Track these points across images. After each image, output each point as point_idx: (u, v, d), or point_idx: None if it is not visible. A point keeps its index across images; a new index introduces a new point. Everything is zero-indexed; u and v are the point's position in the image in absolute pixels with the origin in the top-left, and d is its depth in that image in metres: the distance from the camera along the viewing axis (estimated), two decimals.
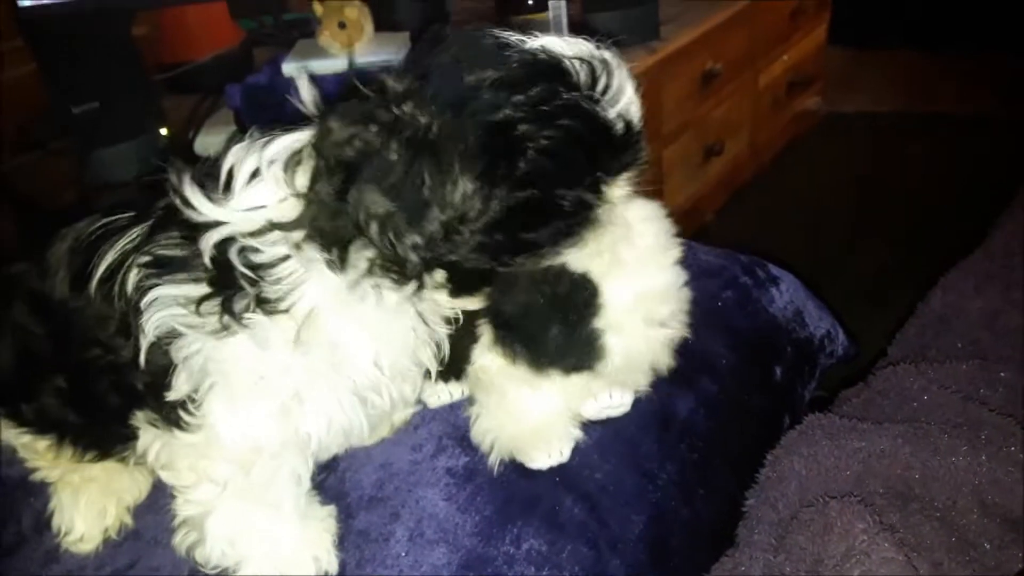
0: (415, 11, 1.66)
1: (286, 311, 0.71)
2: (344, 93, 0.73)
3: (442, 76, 0.68)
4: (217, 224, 0.71)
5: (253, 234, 0.70)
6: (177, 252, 0.73)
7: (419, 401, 0.92)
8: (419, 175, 0.65)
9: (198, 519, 0.77)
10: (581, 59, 0.69)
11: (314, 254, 0.69)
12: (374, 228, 0.66)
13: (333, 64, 1.52)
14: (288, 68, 1.52)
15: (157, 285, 0.72)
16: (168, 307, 0.72)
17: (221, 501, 0.76)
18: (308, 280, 0.71)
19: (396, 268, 0.69)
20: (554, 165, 0.68)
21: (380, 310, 0.73)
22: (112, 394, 0.80)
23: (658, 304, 0.81)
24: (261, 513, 0.78)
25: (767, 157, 2.60)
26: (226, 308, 0.71)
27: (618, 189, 0.76)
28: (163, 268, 0.73)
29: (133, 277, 0.74)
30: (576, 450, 0.86)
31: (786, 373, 1.08)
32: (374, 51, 1.53)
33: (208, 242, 0.71)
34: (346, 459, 0.91)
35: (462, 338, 0.83)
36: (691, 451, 0.93)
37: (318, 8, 1.53)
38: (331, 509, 0.84)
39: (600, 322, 0.78)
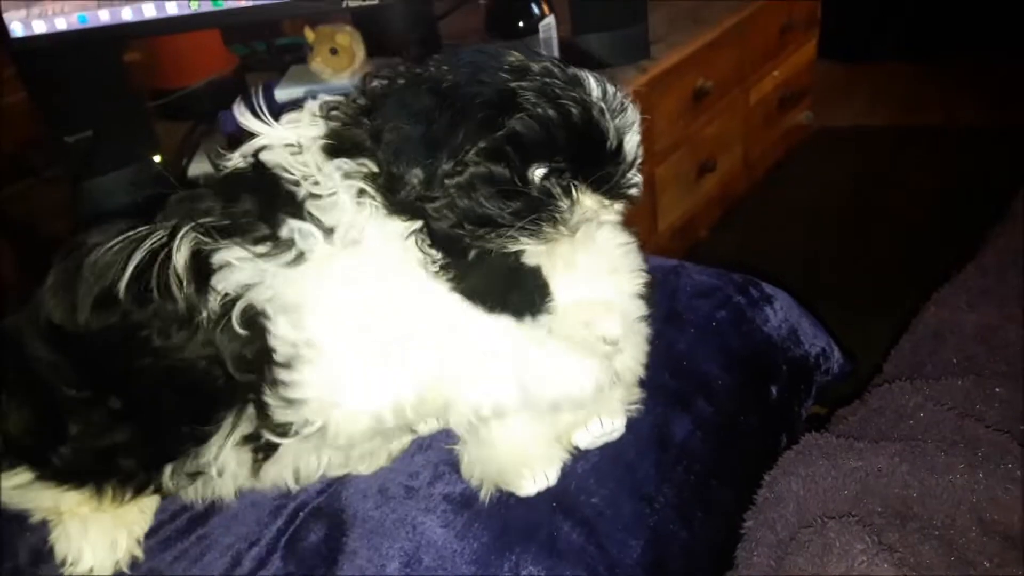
0: (406, 36, 1.67)
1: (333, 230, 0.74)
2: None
3: (474, 54, 0.76)
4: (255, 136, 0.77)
5: (287, 146, 0.76)
6: (224, 220, 0.76)
7: (412, 430, 0.91)
8: (431, 115, 0.72)
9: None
10: (602, 81, 0.76)
11: (323, 157, 0.75)
12: (385, 149, 0.73)
13: (324, 90, 1.53)
14: (281, 94, 1.52)
15: (218, 250, 0.74)
16: (237, 268, 0.74)
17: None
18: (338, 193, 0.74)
19: (389, 188, 0.74)
20: (535, 138, 0.72)
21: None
22: (174, 395, 0.79)
23: (601, 315, 0.80)
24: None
25: (760, 173, 2.62)
26: (275, 237, 0.74)
27: (592, 201, 0.77)
28: (220, 230, 0.75)
29: (183, 255, 0.74)
30: (573, 475, 0.86)
31: (782, 392, 1.08)
32: None
33: (248, 148, 0.77)
34: (343, 485, 0.91)
35: None
36: (688, 473, 0.92)
37: (310, 34, 1.54)
38: None
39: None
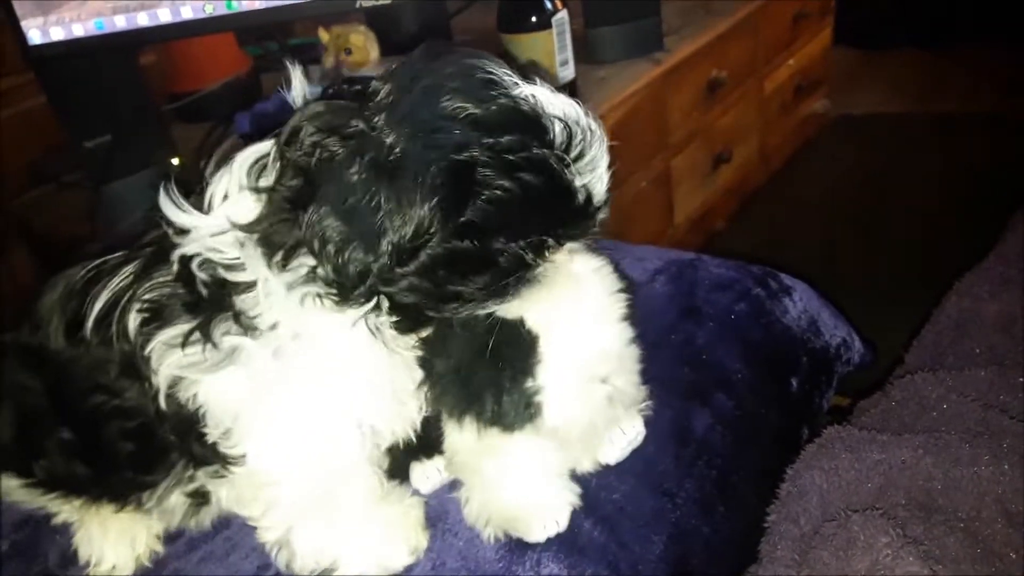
0: (419, 34, 1.67)
1: (270, 328, 0.70)
2: (328, 88, 0.73)
3: (422, 96, 0.66)
4: (187, 233, 0.71)
5: (214, 236, 0.70)
6: (171, 291, 0.72)
7: (413, 489, 0.88)
8: (376, 201, 0.64)
9: (283, 538, 0.77)
10: (564, 120, 0.67)
11: (257, 252, 0.69)
12: (328, 250, 0.65)
13: None
14: None
15: (157, 332, 0.72)
16: (172, 352, 0.71)
17: (297, 519, 0.76)
18: (274, 291, 0.70)
19: (337, 284, 0.68)
20: (500, 218, 0.66)
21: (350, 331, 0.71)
22: (122, 441, 0.78)
23: (599, 362, 0.78)
24: (339, 517, 0.78)
25: (777, 162, 2.60)
26: (205, 335, 0.70)
27: (564, 253, 0.74)
28: (160, 311, 0.72)
29: (133, 320, 0.73)
30: (594, 472, 0.86)
31: (803, 385, 1.08)
32: None
33: (176, 254, 0.71)
34: None
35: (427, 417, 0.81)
36: (709, 468, 0.92)
37: (324, 35, 1.54)
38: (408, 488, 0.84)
39: (536, 380, 0.75)
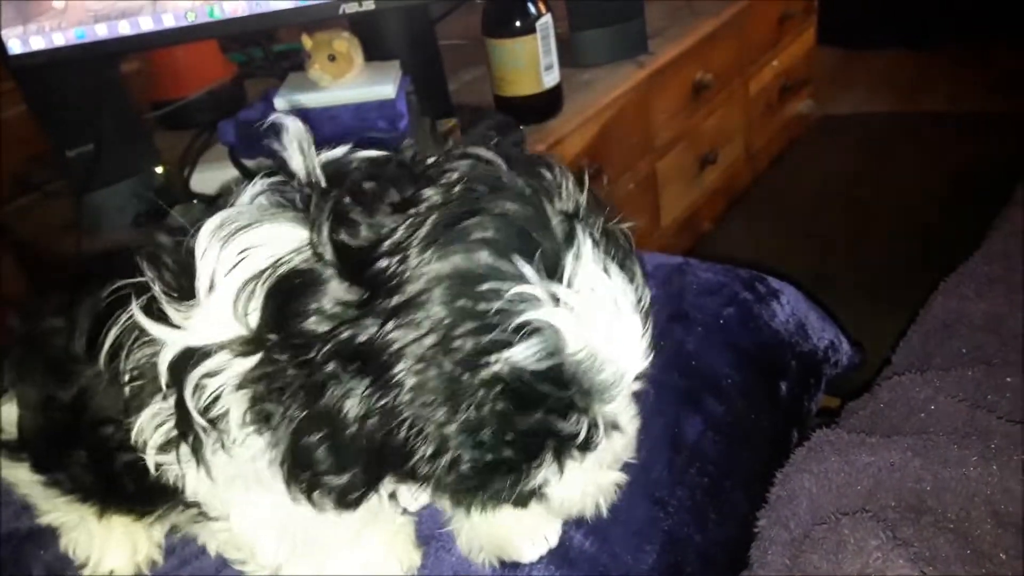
0: (403, 39, 1.66)
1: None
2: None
3: (438, 348, 0.55)
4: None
5: (206, 355, 0.61)
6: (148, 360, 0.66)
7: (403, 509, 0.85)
8: (378, 449, 0.57)
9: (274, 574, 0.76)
10: (582, 358, 0.57)
11: (240, 410, 0.61)
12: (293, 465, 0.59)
13: (323, 97, 1.52)
14: (279, 102, 1.52)
15: (151, 400, 0.66)
16: (164, 423, 0.66)
17: (286, 559, 0.74)
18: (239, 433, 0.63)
19: None
20: (477, 484, 0.61)
21: None
22: (126, 475, 0.77)
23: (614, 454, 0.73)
24: (330, 551, 0.76)
25: (763, 163, 2.61)
26: (193, 449, 0.65)
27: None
28: (152, 377, 0.66)
29: (127, 376, 0.68)
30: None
31: (792, 388, 1.08)
32: (365, 82, 1.54)
33: (163, 362, 0.63)
34: None
35: None
36: (701, 475, 0.92)
37: (307, 42, 1.53)
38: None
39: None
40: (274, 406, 0.59)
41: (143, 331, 0.65)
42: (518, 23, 1.59)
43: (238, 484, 0.67)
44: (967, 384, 1.01)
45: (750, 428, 1.01)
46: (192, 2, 1.40)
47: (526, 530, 0.80)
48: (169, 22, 1.41)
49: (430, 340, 0.54)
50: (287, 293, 0.58)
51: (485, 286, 0.55)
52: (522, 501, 0.65)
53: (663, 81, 1.95)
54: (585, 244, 0.58)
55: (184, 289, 0.63)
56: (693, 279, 1.15)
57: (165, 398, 0.65)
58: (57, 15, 1.41)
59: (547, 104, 1.70)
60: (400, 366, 0.55)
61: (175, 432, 0.65)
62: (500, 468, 0.60)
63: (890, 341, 1.19)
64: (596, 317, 0.57)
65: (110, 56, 1.55)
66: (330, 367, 0.56)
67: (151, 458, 0.68)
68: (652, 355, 0.62)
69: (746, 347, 1.07)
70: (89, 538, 0.90)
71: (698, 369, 1.02)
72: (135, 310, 0.64)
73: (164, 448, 0.67)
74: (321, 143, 0.68)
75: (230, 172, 1.51)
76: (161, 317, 0.63)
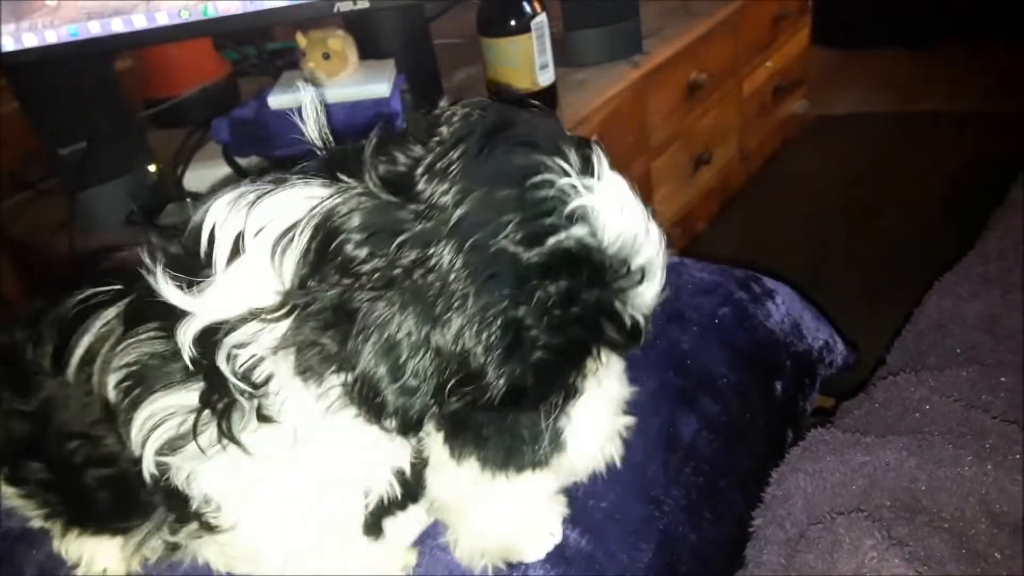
0: (398, 37, 1.66)
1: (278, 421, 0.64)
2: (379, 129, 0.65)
3: (477, 224, 0.59)
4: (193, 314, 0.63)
5: (236, 323, 0.62)
6: (159, 348, 0.66)
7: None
8: (423, 347, 0.59)
9: None
10: (621, 243, 0.62)
11: (288, 366, 0.62)
12: (361, 389, 0.60)
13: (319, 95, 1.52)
14: (274, 100, 1.52)
15: (148, 398, 0.65)
16: (161, 427, 0.65)
17: (287, 569, 0.74)
18: (297, 396, 0.63)
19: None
20: (547, 373, 0.63)
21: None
22: (100, 489, 0.75)
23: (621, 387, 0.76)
24: (329, 557, 0.75)
25: (757, 163, 2.61)
26: (223, 428, 0.64)
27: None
28: (150, 374, 0.66)
29: (113, 379, 0.67)
30: (581, 480, 0.85)
31: (787, 388, 1.08)
32: (360, 80, 1.53)
33: (186, 336, 0.62)
34: None
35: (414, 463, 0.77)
36: (696, 474, 0.92)
37: (301, 40, 1.53)
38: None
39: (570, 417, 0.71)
40: (330, 341, 0.60)
41: (128, 332, 0.66)
42: (513, 22, 1.59)
43: (262, 472, 0.67)
44: (962, 384, 1.01)
45: (745, 427, 1.01)
46: (186, 0, 1.40)
47: (530, 530, 0.80)
48: (163, 20, 1.40)
49: (491, 228, 0.58)
50: (334, 229, 0.59)
51: (537, 178, 0.60)
52: (545, 454, 0.70)
53: (658, 81, 1.95)
54: (598, 150, 0.65)
55: (193, 270, 0.64)
56: (688, 278, 1.15)
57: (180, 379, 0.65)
58: (50, 12, 1.40)
59: (542, 103, 1.69)
60: (463, 258, 0.58)
61: (184, 426, 0.65)
62: (561, 360, 0.63)
63: (885, 341, 1.20)
64: (626, 208, 0.64)
65: (103, 54, 1.54)
66: (397, 270, 0.58)
67: (149, 461, 0.67)
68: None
69: (741, 347, 1.07)
70: (80, 539, 0.88)
71: (693, 369, 1.02)
72: (161, 282, 0.63)
73: (167, 448, 0.67)
74: None
75: (223, 170, 1.51)
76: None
